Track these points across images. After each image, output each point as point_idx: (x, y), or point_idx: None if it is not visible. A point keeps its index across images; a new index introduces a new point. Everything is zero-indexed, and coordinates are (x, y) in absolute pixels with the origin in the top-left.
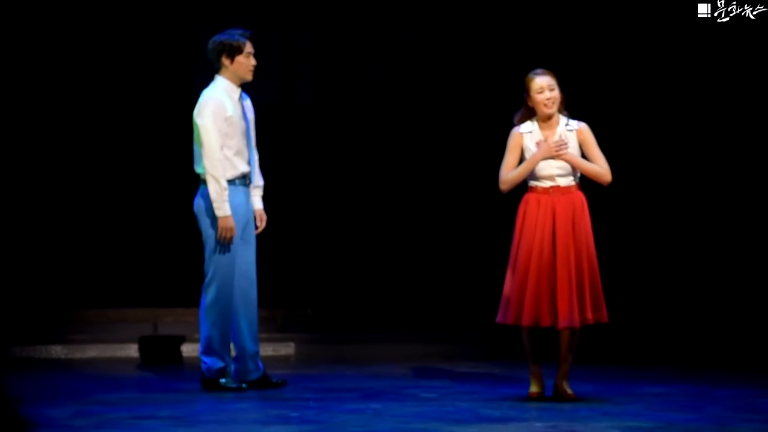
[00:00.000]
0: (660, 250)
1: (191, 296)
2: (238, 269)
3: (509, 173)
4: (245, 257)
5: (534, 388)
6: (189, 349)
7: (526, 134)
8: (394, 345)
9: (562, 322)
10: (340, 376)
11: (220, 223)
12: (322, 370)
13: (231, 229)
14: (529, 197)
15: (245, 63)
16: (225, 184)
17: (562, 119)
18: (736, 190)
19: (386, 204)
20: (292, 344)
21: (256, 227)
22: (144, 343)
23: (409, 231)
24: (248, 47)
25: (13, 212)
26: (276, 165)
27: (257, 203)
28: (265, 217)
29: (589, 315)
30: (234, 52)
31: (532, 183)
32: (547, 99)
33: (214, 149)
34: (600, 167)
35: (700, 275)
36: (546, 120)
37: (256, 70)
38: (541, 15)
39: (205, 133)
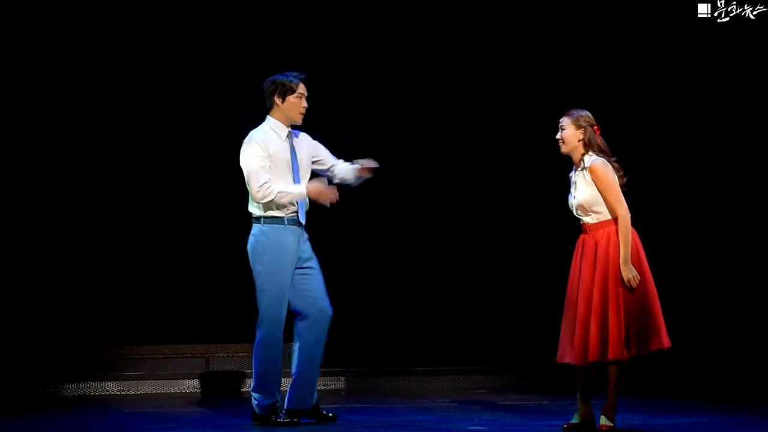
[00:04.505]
0: (706, 282)
1: (243, 332)
2: (300, 302)
3: None
4: (307, 287)
5: (572, 420)
6: (241, 385)
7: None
8: (444, 378)
9: (576, 359)
10: (390, 410)
11: (308, 192)
12: (372, 404)
13: (322, 192)
14: None
15: (296, 104)
16: (279, 190)
17: (586, 158)
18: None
19: (435, 238)
20: (342, 378)
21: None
22: (197, 379)
23: (459, 265)
24: (301, 88)
25: (68, 247)
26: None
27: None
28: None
29: (618, 351)
30: (286, 92)
31: None
32: (557, 139)
33: (260, 177)
34: (620, 233)
35: (744, 307)
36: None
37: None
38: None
39: (246, 165)
